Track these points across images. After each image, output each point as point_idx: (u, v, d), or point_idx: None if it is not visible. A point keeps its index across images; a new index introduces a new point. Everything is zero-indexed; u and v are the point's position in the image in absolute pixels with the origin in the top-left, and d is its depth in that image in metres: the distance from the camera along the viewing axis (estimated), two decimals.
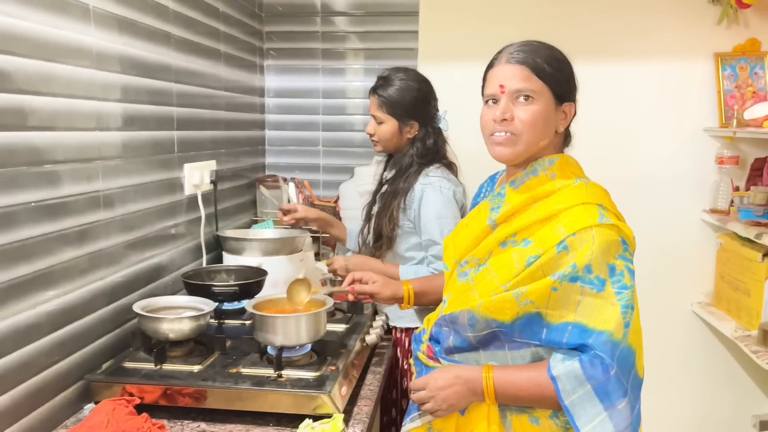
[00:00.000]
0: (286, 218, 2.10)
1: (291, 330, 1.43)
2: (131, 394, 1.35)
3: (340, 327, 1.74)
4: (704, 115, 2.52)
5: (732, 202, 2.41)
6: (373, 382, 1.57)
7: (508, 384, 1.19)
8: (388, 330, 1.91)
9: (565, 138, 1.33)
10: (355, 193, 2.38)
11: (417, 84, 1.92)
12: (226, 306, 1.79)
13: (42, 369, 1.28)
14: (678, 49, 2.50)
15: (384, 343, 1.81)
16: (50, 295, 1.29)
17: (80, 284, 1.39)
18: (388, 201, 1.91)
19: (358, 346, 1.62)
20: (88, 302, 1.42)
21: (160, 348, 1.43)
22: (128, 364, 1.44)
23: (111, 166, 1.50)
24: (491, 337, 1.23)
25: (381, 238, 1.91)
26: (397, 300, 1.63)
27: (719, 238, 2.49)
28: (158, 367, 1.42)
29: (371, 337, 1.69)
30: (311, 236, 2.41)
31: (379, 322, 1.80)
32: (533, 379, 1.18)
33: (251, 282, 1.78)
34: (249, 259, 2.00)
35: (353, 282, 1.63)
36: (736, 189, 2.46)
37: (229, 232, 2.15)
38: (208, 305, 1.56)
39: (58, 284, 1.32)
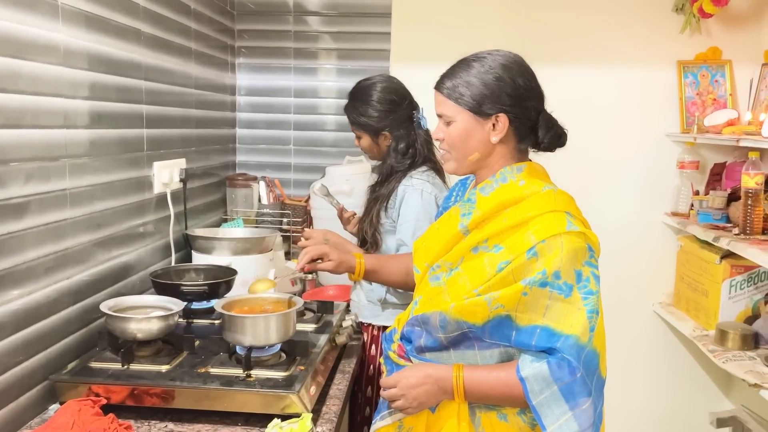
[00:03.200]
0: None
1: (260, 330, 1.44)
2: (97, 395, 1.34)
3: (310, 327, 1.75)
4: (667, 121, 2.60)
5: (692, 205, 2.49)
6: (342, 382, 1.58)
7: (477, 383, 1.23)
8: (358, 329, 1.92)
9: (540, 144, 1.33)
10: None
11: (375, 96, 1.91)
12: (195, 305, 1.78)
13: (6, 369, 1.26)
14: (642, 56, 2.57)
15: (353, 343, 1.83)
16: (14, 294, 1.28)
17: (45, 283, 1.37)
18: (370, 206, 1.94)
19: (327, 345, 1.63)
20: (53, 302, 1.41)
21: (127, 348, 1.42)
22: (94, 364, 1.42)
23: (78, 164, 1.49)
24: (462, 337, 1.26)
25: (365, 243, 1.92)
26: (350, 270, 1.69)
27: (680, 240, 2.57)
28: (125, 367, 1.41)
29: (341, 337, 1.70)
30: (281, 235, 2.41)
31: (348, 321, 1.81)
32: (502, 379, 1.22)
33: (220, 281, 1.78)
34: (218, 258, 2.00)
35: (311, 261, 1.67)
36: (696, 193, 2.54)
37: (199, 231, 2.14)
38: (176, 305, 1.55)
39: (23, 283, 1.30)
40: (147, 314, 1.50)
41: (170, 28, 2.01)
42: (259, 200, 2.59)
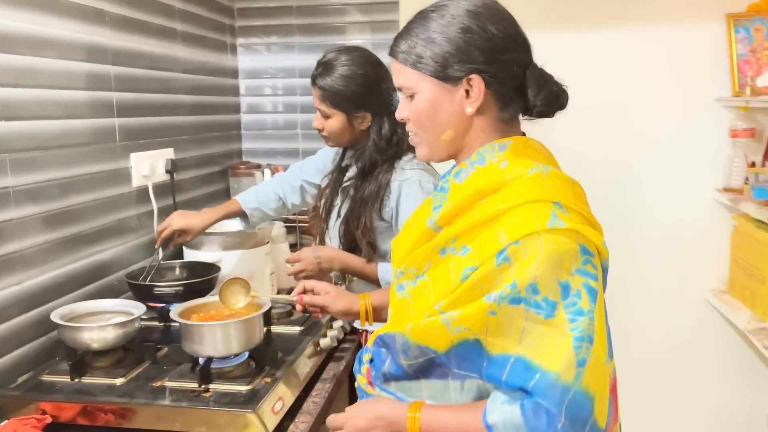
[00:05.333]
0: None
1: (218, 339, 1.28)
2: (44, 412, 1.22)
3: (294, 329, 1.59)
4: (716, 84, 2.28)
5: (747, 179, 2.18)
6: (320, 393, 1.40)
7: (436, 429, 0.99)
8: (352, 331, 1.74)
9: (531, 108, 1.04)
10: None
11: (361, 68, 1.61)
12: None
13: None
14: (685, 10, 2.26)
15: (346, 345, 1.65)
16: None
17: None
18: (357, 210, 1.64)
19: (308, 350, 1.46)
20: (0, 309, 1.29)
21: (77, 360, 1.29)
22: (46, 378, 1.31)
23: (24, 159, 1.36)
24: (429, 364, 1.01)
25: (356, 250, 1.66)
26: (353, 315, 1.40)
27: (734, 219, 2.26)
28: (76, 380, 1.28)
29: (326, 341, 1.53)
30: (287, 226, 2.25)
31: (338, 323, 1.64)
32: (467, 424, 0.96)
33: (198, 281, 1.64)
34: (208, 254, 1.86)
35: (304, 291, 1.41)
36: (752, 165, 2.22)
37: None
38: (138, 309, 1.41)
39: None
40: (105, 321, 1.37)
41: (146, 8, 1.86)
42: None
